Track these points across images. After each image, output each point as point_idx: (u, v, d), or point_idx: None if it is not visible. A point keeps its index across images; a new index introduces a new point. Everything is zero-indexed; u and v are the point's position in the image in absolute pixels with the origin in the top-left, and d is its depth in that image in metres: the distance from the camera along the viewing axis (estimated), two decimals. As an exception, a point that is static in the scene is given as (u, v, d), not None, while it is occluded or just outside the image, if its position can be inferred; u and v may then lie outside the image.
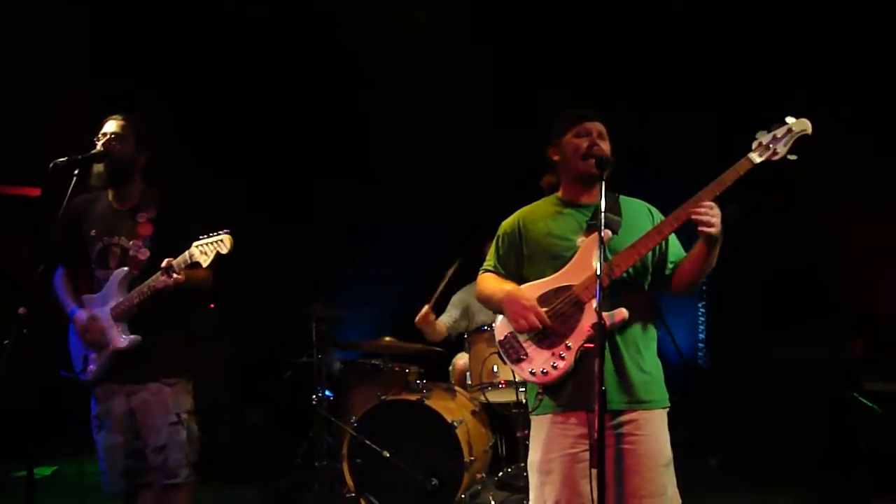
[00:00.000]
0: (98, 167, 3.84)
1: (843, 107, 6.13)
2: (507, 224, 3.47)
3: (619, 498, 3.03)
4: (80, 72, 6.84)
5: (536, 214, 3.40)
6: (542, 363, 3.15)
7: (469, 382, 5.48)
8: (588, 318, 3.06)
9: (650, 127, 6.55)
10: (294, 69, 7.48)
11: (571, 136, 3.30)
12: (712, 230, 2.94)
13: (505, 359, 3.29)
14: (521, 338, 3.22)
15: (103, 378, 3.88)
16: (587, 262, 3.12)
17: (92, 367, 3.89)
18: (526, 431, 5.33)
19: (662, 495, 3.07)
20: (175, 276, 3.65)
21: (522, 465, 5.34)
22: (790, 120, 2.97)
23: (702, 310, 7.47)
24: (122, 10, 6.84)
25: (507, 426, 5.69)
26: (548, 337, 3.15)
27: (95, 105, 6.09)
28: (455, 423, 5.08)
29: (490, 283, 3.42)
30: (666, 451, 3.14)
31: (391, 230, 7.43)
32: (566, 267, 3.18)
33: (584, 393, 2.98)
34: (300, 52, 7.41)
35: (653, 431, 3.11)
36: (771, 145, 2.95)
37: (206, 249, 3.60)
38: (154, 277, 3.70)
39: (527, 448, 4.73)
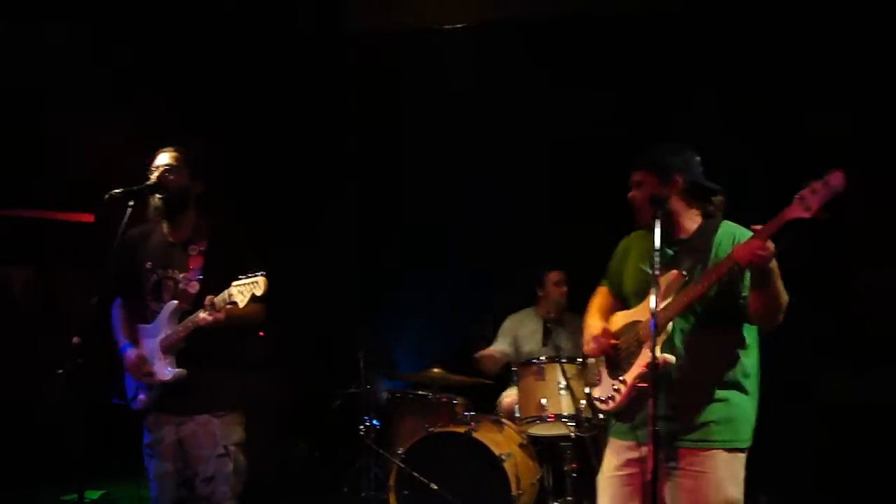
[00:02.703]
0: (154, 199, 3.87)
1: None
2: (620, 245, 3.60)
3: None
4: (128, 97, 6.93)
5: (634, 244, 3.52)
6: (603, 391, 3.36)
7: (517, 415, 5.45)
8: (643, 358, 3.11)
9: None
10: (344, 101, 7.57)
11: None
12: (755, 264, 2.89)
13: (590, 380, 3.55)
14: (601, 364, 3.41)
15: (153, 407, 3.92)
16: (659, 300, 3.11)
17: (142, 397, 3.93)
18: (574, 465, 5.32)
19: None
20: (216, 314, 3.67)
21: (570, 498, 5.30)
22: (827, 176, 2.78)
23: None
24: (171, 45, 6.98)
25: (555, 459, 5.62)
26: (617, 368, 3.31)
27: (145, 129, 6.20)
28: (503, 457, 5.04)
29: (590, 310, 3.62)
30: (726, 491, 3.07)
31: (441, 262, 7.41)
32: (643, 303, 3.21)
33: (638, 425, 3.17)
34: (345, 84, 7.49)
35: (712, 470, 3.07)
36: (806, 200, 2.79)
37: (243, 290, 3.59)
38: (195, 314, 3.73)
39: (574, 481, 5.23)
